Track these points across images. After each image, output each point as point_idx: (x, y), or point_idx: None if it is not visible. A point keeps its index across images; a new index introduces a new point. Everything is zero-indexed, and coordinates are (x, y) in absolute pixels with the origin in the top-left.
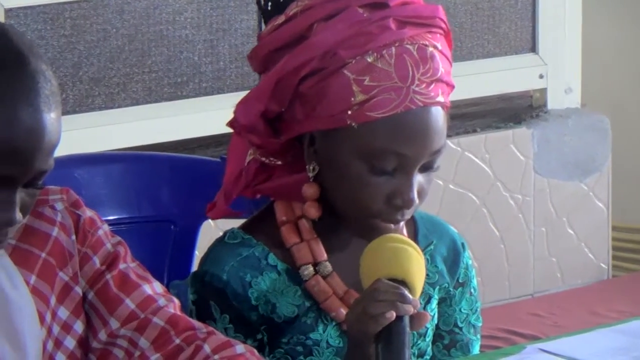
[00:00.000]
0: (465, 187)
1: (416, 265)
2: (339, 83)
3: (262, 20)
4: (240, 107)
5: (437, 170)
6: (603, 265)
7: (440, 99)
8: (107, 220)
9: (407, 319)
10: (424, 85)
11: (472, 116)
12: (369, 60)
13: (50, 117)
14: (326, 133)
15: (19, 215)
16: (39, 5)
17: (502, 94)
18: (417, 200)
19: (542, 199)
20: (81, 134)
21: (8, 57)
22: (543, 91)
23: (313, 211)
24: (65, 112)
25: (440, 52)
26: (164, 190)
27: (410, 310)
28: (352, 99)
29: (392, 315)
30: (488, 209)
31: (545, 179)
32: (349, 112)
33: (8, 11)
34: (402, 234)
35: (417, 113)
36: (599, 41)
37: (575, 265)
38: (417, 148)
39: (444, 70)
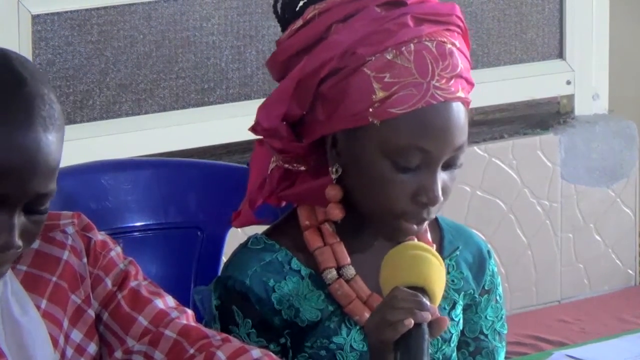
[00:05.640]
0: (492, 193)
1: (436, 273)
2: (359, 81)
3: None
4: (262, 110)
5: (459, 167)
6: (630, 272)
7: (461, 94)
8: (133, 227)
9: (425, 326)
10: (444, 81)
11: (499, 122)
12: (389, 57)
13: (46, 137)
14: (348, 133)
15: (18, 240)
16: (66, 12)
17: (529, 100)
18: (441, 197)
19: (569, 205)
20: (108, 140)
21: (6, 78)
22: (570, 97)
23: (337, 212)
24: (92, 119)
25: (459, 49)
26: (191, 197)
27: (429, 317)
28: (373, 96)
29: (410, 322)
30: (515, 215)
31: (573, 185)
32: (371, 110)
33: (35, 17)
34: (426, 238)
35: (439, 108)
36: (626, 47)
37: (602, 271)
38: (439, 143)
39: (463, 67)
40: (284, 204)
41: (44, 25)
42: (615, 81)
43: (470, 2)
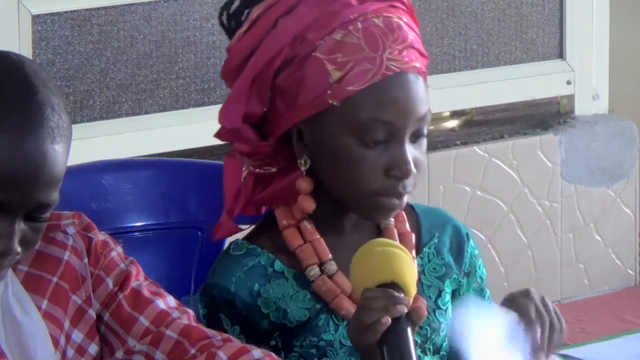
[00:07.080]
0: (492, 193)
1: (404, 264)
2: (313, 67)
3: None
4: (222, 112)
5: (426, 137)
6: (630, 272)
7: (416, 64)
8: (134, 227)
9: (404, 319)
10: (396, 52)
11: (499, 122)
12: (337, 37)
13: (53, 148)
14: (311, 121)
15: (17, 246)
16: (66, 12)
17: (529, 101)
18: (414, 170)
19: (569, 205)
20: (108, 140)
21: (18, 85)
22: (570, 97)
23: (308, 204)
24: (92, 119)
25: (407, 24)
26: (191, 197)
27: (404, 309)
28: (329, 78)
29: (387, 320)
30: (515, 216)
31: (573, 185)
32: (329, 92)
33: (35, 17)
34: (405, 228)
35: (396, 79)
36: (626, 47)
37: (602, 271)
38: (401, 114)
39: (414, 39)
40: (263, 210)
41: (44, 25)
42: (615, 81)
43: (470, 2)
